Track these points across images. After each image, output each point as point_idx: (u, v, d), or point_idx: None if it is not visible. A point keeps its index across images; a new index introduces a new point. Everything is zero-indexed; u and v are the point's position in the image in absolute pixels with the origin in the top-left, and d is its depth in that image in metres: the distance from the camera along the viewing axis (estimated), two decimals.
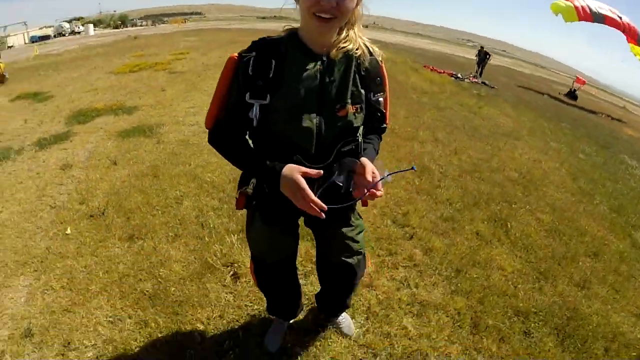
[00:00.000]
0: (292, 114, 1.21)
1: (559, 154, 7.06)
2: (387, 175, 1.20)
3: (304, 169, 1.17)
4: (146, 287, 2.56)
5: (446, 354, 2.19)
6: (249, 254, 1.72)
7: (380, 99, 1.35)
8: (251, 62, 1.19)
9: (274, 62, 1.19)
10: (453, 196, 4.16)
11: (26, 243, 3.20)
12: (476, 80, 15.87)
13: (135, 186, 3.95)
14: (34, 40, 42.08)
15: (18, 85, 11.32)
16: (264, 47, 1.22)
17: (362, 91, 1.30)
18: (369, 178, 1.19)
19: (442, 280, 2.79)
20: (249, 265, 1.91)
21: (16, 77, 12.74)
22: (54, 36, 44.87)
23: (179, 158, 4.62)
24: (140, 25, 56.08)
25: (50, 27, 49.53)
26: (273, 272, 1.65)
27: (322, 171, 1.19)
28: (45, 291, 2.62)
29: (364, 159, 1.26)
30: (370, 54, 1.31)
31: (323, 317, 2.24)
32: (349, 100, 1.26)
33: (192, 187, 3.87)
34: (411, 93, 9.57)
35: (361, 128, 1.36)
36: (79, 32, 45.94)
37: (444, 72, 15.67)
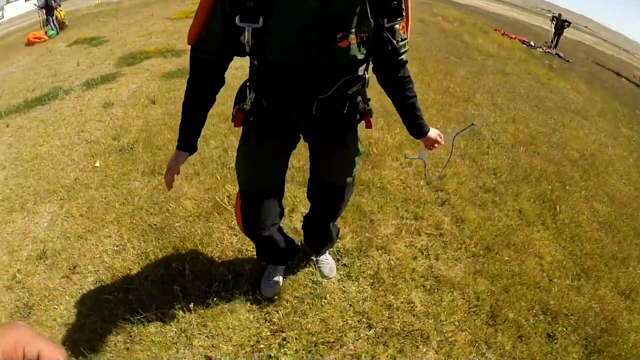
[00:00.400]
0: (288, 41, 1.09)
1: (629, 142, 6.33)
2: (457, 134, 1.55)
3: (179, 166, 1.37)
4: (155, 221, 2.63)
5: (450, 342, 1.93)
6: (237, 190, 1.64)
7: (397, 26, 1.17)
8: None
9: None
10: (501, 166, 3.75)
11: (58, 174, 3.48)
12: (550, 50, 14.50)
13: (167, 124, 4.06)
14: None
15: (77, 31, 11.89)
16: None
17: (372, 19, 1.13)
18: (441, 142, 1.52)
19: (468, 256, 2.50)
20: (234, 204, 1.77)
21: (76, 24, 13.37)
22: None
23: (217, 99, 4.59)
24: None
25: None
26: (259, 205, 1.54)
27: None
28: (66, 218, 2.85)
29: (431, 132, 1.53)
30: None
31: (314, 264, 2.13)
32: (354, 29, 1.11)
33: (222, 128, 3.86)
34: (475, 55, 8.88)
35: (366, 63, 1.26)
36: None
37: (515, 38, 14.40)
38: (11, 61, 10.01)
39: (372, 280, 2.20)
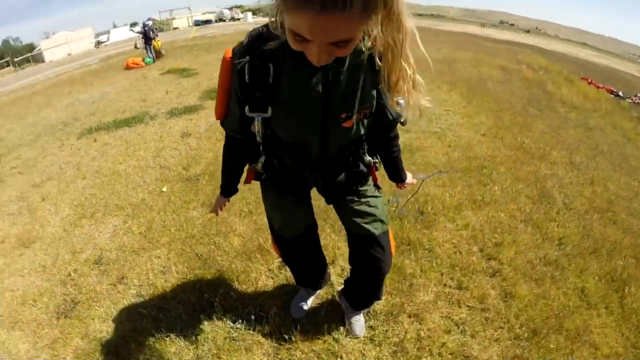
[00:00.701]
0: (294, 125, 1.19)
1: None
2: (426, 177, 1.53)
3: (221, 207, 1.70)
4: (202, 251, 2.85)
5: None
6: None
7: (401, 101, 1.14)
8: (246, 69, 1.09)
9: (271, 66, 1.08)
10: (569, 235, 3.37)
11: (128, 192, 3.98)
12: None
13: None
14: (197, 23, 48.63)
15: (172, 61, 13.34)
16: (257, 49, 1.08)
17: (374, 93, 1.18)
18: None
19: (509, 338, 2.26)
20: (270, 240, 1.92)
21: (172, 54, 15.10)
22: (215, 21, 51.02)
23: None
24: None
25: (212, 12, 56.43)
26: (293, 247, 1.71)
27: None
28: (126, 233, 3.26)
29: (409, 179, 1.72)
30: None
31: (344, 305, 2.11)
32: (357, 108, 1.17)
33: None
34: (558, 106, 8.47)
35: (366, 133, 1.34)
36: (238, 19, 51.24)
37: (602, 87, 13.53)
38: (109, 82, 11.47)
39: (395, 349, 2.09)
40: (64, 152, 5.98)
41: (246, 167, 1.53)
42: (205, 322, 2.17)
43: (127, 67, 13.60)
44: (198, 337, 2.09)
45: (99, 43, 41.72)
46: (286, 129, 1.21)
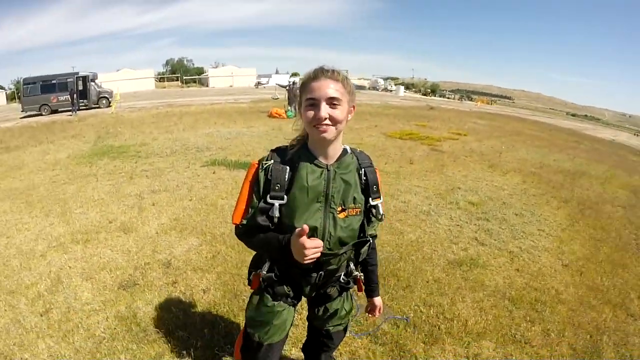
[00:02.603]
0: (300, 214, 1.63)
1: None
2: (388, 317, 1.86)
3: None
4: (238, 289, 3.71)
5: None
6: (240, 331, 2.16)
7: (379, 203, 1.74)
8: (270, 168, 1.65)
9: (288, 168, 1.65)
10: None
11: (216, 224, 5.21)
12: None
13: None
14: None
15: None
16: (280, 156, 1.69)
17: (363, 197, 1.73)
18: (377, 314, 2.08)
19: None
20: (235, 343, 2.18)
21: None
22: (368, 88, 55.84)
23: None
24: (447, 98, 62.14)
25: (367, 79, 61.56)
26: (264, 353, 1.92)
27: (321, 242, 1.58)
28: (197, 253, 4.38)
29: (376, 300, 2.14)
30: (370, 164, 1.77)
31: None
32: (351, 205, 1.68)
33: None
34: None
35: (361, 229, 1.77)
36: (390, 90, 55.45)
37: None
38: (249, 124, 13.86)
39: None
40: (186, 173, 7.77)
41: (250, 275, 1.95)
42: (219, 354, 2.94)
43: (270, 115, 16.28)
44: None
45: (258, 84, 48.80)
46: (295, 215, 1.63)
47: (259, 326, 1.89)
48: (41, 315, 3.33)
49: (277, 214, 1.64)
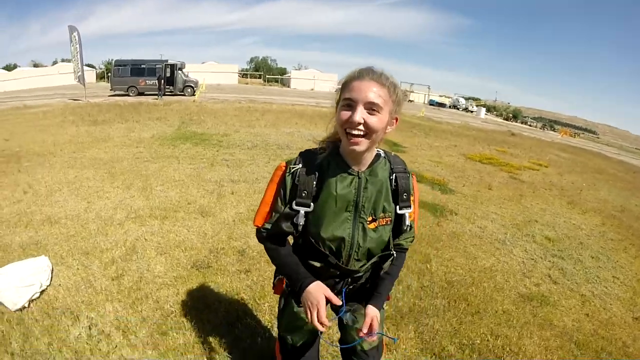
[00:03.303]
0: (327, 223, 1.58)
1: None
2: (376, 333, 1.63)
3: (329, 293, 1.58)
4: None
5: None
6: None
7: (406, 213, 1.66)
8: (298, 173, 1.59)
9: (317, 174, 1.59)
10: None
11: None
12: None
13: None
14: (431, 103, 53.98)
15: (391, 134, 15.25)
16: (309, 160, 1.62)
17: (393, 205, 1.66)
18: (365, 330, 1.60)
19: None
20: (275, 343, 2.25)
21: (398, 127, 17.10)
22: (449, 106, 54.83)
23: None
24: (529, 125, 59.75)
25: (449, 97, 60.43)
26: (299, 354, 2.00)
27: (342, 301, 1.63)
28: None
29: (369, 309, 1.67)
30: (404, 169, 1.68)
31: None
32: (381, 215, 1.62)
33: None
34: None
35: (390, 240, 1.70)
36: (471, 111, 54.15)
37: None
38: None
39: None
40: (266, 168, 7.94)
41: (275, 279, 1.94)
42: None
43: None
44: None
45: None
46: (322, 224, 1.59)
47: (289, 331, 1.94)
48: (112, 280, 3.51)
49: (302, 222, 1.59)
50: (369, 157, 1.60)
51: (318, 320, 1.54)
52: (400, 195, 1.65)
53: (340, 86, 1.55)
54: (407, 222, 1.69)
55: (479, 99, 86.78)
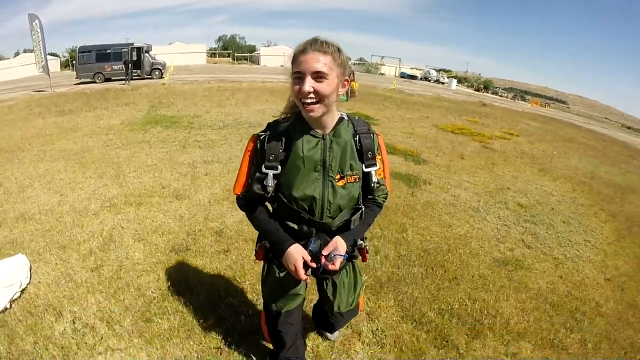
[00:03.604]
0: (298, 183, 1.70)
1: None
2: (334, 254, 1.70)
3: (306, 255, 1.71)
4: None
5: None
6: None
7: (372, 171, 1.78)
8: (266, 139, 1.70)
9: (283, 139, 1.69)
10: None
11: None
12: None
13: None
14: (402, 76, 53.79)
15: (361, 104, 15.62)
16: (275, 127, 1.73)
17: (360, 163, 1.77)
18: (325, 253, 1.72)
19: None
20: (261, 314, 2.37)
21: (362, 99, 17.52)
22: (420, 79, 55.03)
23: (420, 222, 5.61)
24: (500, 96, 60.43)
25: (420, 70, 60.64)
26: (284, 320, 2.08)
27: (317, 265, 1.71)
28: (249, 224, 4.34)
29: (336, 237, 1.77)
30: (367, 130, 1.78)
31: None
32: (349, 172, 1.73)
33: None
34: None
35: (360, 196, 1.84)
36: (442, 83, 54.62)
37: None
38: None
39: None
40: (238, 146, 7.87)
41: (256, 246, 2.01)
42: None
43: None
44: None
45: None
46: (293, 185, 1.70)
47: (273, 297, 2.04)
48: (92, 271, 3.47)
49: (270, 183, 1.71)
50: (330, 120, 1.70)
51: (298, 275, 1.71)
52: (364, 154, 1.77)
53: (290, 61, 1.62)
54: (375, 179, 1.81)
55: (450, 71, 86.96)
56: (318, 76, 1.52)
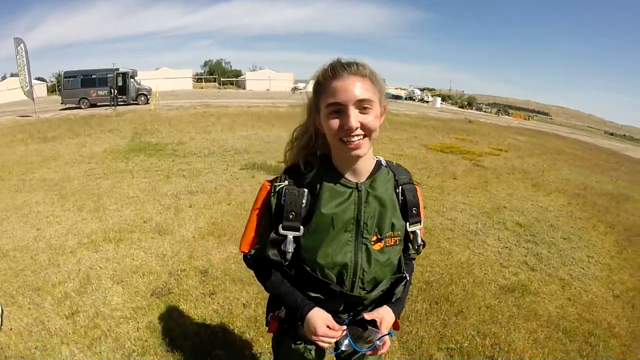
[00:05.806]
0: (324, 247, 1.33)
1: None
2: (379, 337, 1.37)
3: (330, 322, 1.36)
4: None
5: None
6: None
7: (417, 230, 1.44)
8: (284, 191, 1.34)
9: (306, 191, 1.34)
10: None
11: (240, 224, 4.97)
12: None
13: None
14: (387, 96, 53.80)
15: None
16: (296, 176, 1.37)
17: (403, 222, 1.41)
18: (367, 317, 1.40)
19: None
20: None
21: None
22: (405, 98, 55.63)
23: None
24: (484, 111, 60.90)
25: (404, 89, 61.48)
26: None
27: (345, 331, 1.38)
28: (236, 262, 4.06)
29: (383, 308, 1.44)
30: (410, 180, 1.46)
31: None
32: (389, 233, 1.38)
33: None
34: None
35: (401, 263, 1.47)
36: (427, 101, 55.32)
37: None
38: (289, 127, 13.60)
39: None
40: (224, 175, 7.64)
41: (268, 317, 1.63)
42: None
43: None
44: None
45: (295, 89, 49.83)
46: (318, 250, 1.34)
47: None
48: (67, 318, 3.18)
49: (290, 248, 1.34)
50: (368, 165, 1.36)
51: (326, 334, 1.33)
52: (409, 209, 1.42)
53: (311, 90, 1.32)
54: (419, 241, 1.46)
55: (434, 89, 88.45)
56: (362, 106, 1.20)
